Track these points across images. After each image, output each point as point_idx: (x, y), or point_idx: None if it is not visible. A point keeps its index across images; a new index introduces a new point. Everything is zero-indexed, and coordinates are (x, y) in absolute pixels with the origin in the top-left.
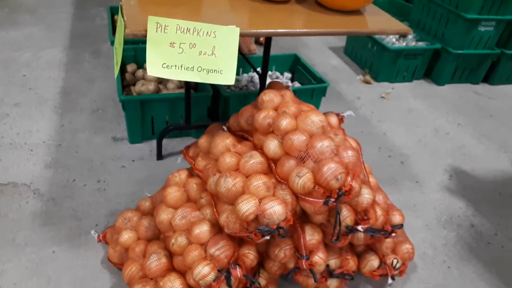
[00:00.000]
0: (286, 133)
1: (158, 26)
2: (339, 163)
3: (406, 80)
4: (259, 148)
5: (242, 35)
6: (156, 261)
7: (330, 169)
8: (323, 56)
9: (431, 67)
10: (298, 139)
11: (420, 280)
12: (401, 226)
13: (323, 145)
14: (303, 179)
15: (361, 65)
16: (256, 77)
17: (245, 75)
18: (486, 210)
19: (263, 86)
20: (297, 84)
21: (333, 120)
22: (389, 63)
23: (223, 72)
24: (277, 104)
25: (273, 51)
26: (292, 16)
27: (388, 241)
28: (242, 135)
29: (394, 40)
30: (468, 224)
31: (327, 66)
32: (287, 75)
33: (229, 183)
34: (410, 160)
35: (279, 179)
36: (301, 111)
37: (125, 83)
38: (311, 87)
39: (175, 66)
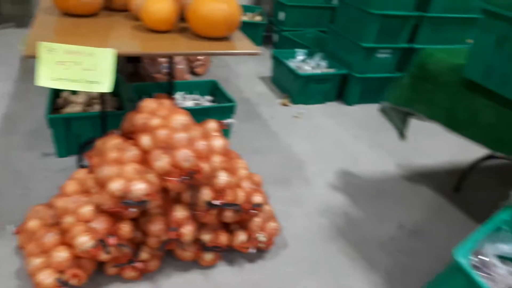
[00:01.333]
0: (155, 130)
1: (48, 50)
2: (192, 150)
3: (319, 102)
4: (138, 144)
5: (120, 55)
6: (50, 238)
7: (182, 154)
8: (252, 84)
9: (342, 90)
10: (162, 133)
11: (288, 255)
12: (260, 205)
13: (179, 136)
14: (161, 162)
15: (283, 91)
16: (178, 98)
17: None
18: (361, 202)
19: None
20: None
21: (212, 125)
22: (302, 87)
23: (101, 83)
24: (154, 109)
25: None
26: (173, 41)
27: (257, 221)
28: (129, 136)
29: (309, 68)
30: (342, 212)
31: (253, 93)
32: (208, 97)
33: (106, 170)
34: (306, 165)
35: (149, 166)
36: (172, 114)
37: (59, 107)
38: (219, 106)
39: (62, 79)
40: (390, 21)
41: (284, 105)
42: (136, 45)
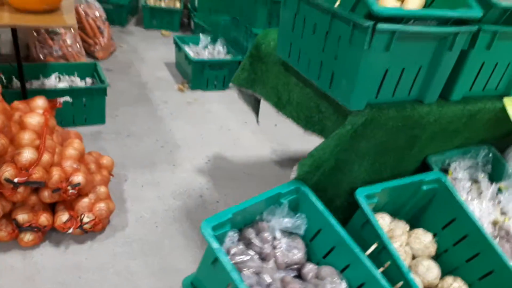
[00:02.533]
0: None
1: None
2: None
3: (218, 89)
4: None
5: None
6: None
7: None
8: (154, 69)
9: None
10: None
11: (123, 236)
12: (78, 184)
13: None
14: None
15: (184, 76)
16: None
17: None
18: (222, 185)
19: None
20: None
21: (40, 102)
22: (197, 73)
23: None
24: None
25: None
26: None
27: (85, 201)
28: None
29: (207, 54)
30: (198, 195)
31: (152, 77)
32: (88, 80)
33: None
34: (180, 149)
35: None
36: None
37: None
38: (89, 87)
39: None
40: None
41: (181, 90)
42: None
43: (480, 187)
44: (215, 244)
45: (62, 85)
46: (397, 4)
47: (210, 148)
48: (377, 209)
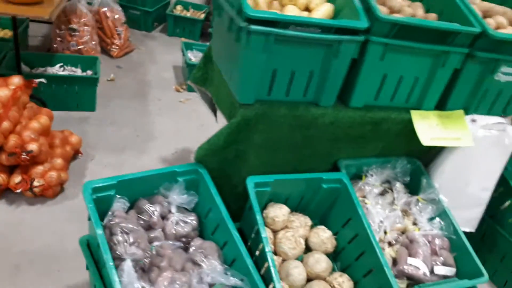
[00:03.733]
0: None
1: None
2: None
3: None
4: None
5: None
6: None
7: None
8: (162, 70)
9: None
10: None
11: (70, 204)
12: (31, 151)
13: None
14: None
15: (186, 79)
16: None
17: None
18: None
19: None
20: None
21: (15, 80)
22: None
23: None
24: None
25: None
26: None
27: (39, 168)
28: None
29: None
30: None
31: (157, 77)
32: (89, 72)
33: None
34: (153, 140)
35: None
36: None
37: None
38: (81, 76)
39: None
40: None
41: (177, 90)
42: None
43: (393, 195)
44: (89, 203)
45: (62, 73)
46: (298, 13)
47: (183, 142)
48: (277, 201)
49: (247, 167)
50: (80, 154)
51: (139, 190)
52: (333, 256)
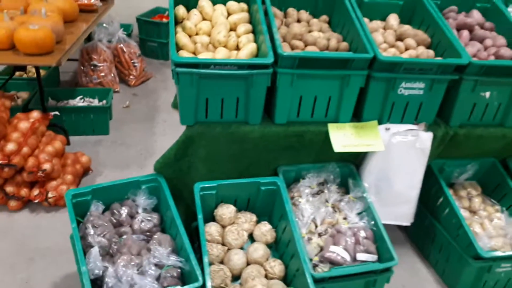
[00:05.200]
0: None
1: None
2: None
3: None
4: None
5: None
6: None
7: None
8: (171, 96)
9: None
10: None
11: None
12: (45, 170)
13: None
14: None
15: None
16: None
17: None
18: None
19: None
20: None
21: (34, 114)
22: None
23: None
24: None
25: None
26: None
27: (53, 183)
28: None
29: None
30: None
31: (165, 102)
32: (104, 102)
33: None
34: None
35: None
36: None
37: None
38: (93, 106)
39: None
40: None
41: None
42: None
43: (326, 195)
44: (68, 205)
45: (81, 104)
46: (227, 54)
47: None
48: (226, 202)
49: (199, 175)
50: (90, 171)
51: (114, 196)
52: (275, 246)
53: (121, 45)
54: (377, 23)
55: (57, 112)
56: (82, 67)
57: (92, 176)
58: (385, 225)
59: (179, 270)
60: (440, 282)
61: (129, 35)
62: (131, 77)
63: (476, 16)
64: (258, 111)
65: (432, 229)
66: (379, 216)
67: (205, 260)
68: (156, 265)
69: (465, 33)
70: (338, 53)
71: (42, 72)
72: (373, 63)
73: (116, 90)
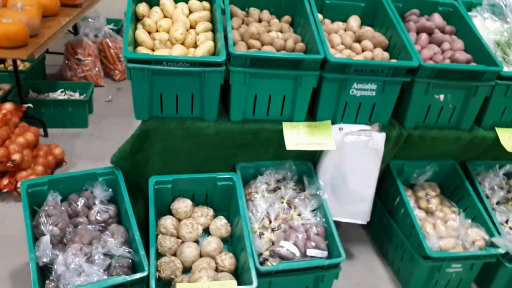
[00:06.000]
0: None
1: None
2: None
3: None
4: None
5: None
6: None
7: None
8: None
9: None
10: None
11: None
12: (14, 160)
13: None
14: None
15: None
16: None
17: None
18: None
19: None
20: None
21: (7, 106)
22: None
23: None
24: None
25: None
26: None
27: (22, 173)
28: None
29: None
30: None
31: None
32: (85, 96)
33: None
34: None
35: None
36: None
37: None
38: (71, 100)
39: None
40: None
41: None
42: None
43: (282, 192)
44: (23, 195)
45: (61, 97)
46: (184, 51)
47: None
48: (184, 196)
49: (156, 169)
50: (64, 163)
51: (73, 187)
52: (230, 240)
53: (107, 40)
54: (338, 24)
55: (30, 105)
56: (67, 61)
57: (65, 168)
58: (349, 224)
59: (129, 261)
60: (395, 281)
61: (118, 30)
62: (116, 71)
63: (437, 19)
64: (213, 108)
65: (389, 228)
66: (336, 214)
67: (152, 251)
68: (106, 254)
69: (424, 36)
70: (288, 54)
71: (27, 65)
72: (325, 64)
73: (100, 84)
